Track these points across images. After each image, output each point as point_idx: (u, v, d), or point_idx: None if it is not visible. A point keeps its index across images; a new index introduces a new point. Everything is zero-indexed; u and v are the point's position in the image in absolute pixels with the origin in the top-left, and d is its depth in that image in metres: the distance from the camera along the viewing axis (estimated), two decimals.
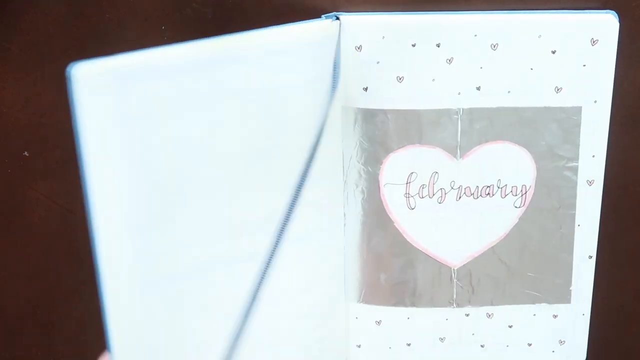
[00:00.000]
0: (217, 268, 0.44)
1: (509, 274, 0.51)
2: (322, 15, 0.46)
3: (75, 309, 0.54)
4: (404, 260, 0.51)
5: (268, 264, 0.47)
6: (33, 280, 0.55)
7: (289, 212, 0.45)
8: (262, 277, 0.46)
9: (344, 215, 0.50)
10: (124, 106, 0.38)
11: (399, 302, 0.52)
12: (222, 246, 0.44)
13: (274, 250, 0.45)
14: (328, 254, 0.51)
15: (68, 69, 0.37)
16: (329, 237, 0.50)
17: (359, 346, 0.54)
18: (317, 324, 0.52)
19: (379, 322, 0.53)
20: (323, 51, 0.45)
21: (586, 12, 0.45)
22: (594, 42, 0.45)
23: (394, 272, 0.51)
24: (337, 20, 0.46)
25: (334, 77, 0.45)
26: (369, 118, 0.48)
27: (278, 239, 0.45)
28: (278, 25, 0.44)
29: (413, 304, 0.52)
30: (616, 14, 0.45)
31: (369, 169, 0.49)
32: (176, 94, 0.40)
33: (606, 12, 0.45)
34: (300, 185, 0.45)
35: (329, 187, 0.49)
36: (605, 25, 0.45)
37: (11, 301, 0.56)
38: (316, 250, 0.50)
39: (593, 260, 0.50)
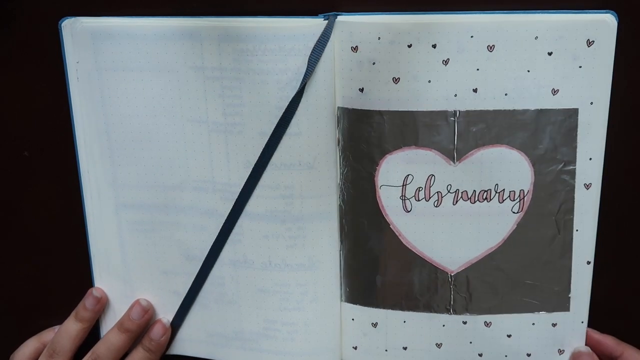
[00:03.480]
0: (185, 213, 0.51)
1: (508, 282, 0.50)
2: (320, 15, 0.46)
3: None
4: (399, 262, 0.50)
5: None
6: (33, 280, 0.56)
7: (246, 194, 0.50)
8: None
9: (341, 215, 0.50)
10: (102, 57, 0.48)
11: (395, 305, 0.51)
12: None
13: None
14: (324, 252, 0.51)
15: (59, 22, 0.48)
16: (324, 235, 0.50)
17: (355, 348, 0.53)
18: (312, 321, 0.52)
19: (375, 325, 0.52)
20: (302, 46, 0.46)
21: (583, 13, 0.45)
22: (590, 43, 0.45)
23: (390, 275, 0.50)
24: (326, 20, 0.46)
25: (306, 73, 0.46)
26: (365, 119, 0.48)
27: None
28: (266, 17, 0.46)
29: (409, 308, 0.51)
30: (615, 14, 0.44)
31: (365, 170, 0.49)
32: (146, 57, 0.48)
33: (604, 12, 0.45)
34: (258, 168, 0.48)
35: (323, 185, 0.49)
36: (602, 26, 0.44)
37: (11, 301, 0.56)
38: (312, 248, 0.50)
39: (591, 266, 0.49)
